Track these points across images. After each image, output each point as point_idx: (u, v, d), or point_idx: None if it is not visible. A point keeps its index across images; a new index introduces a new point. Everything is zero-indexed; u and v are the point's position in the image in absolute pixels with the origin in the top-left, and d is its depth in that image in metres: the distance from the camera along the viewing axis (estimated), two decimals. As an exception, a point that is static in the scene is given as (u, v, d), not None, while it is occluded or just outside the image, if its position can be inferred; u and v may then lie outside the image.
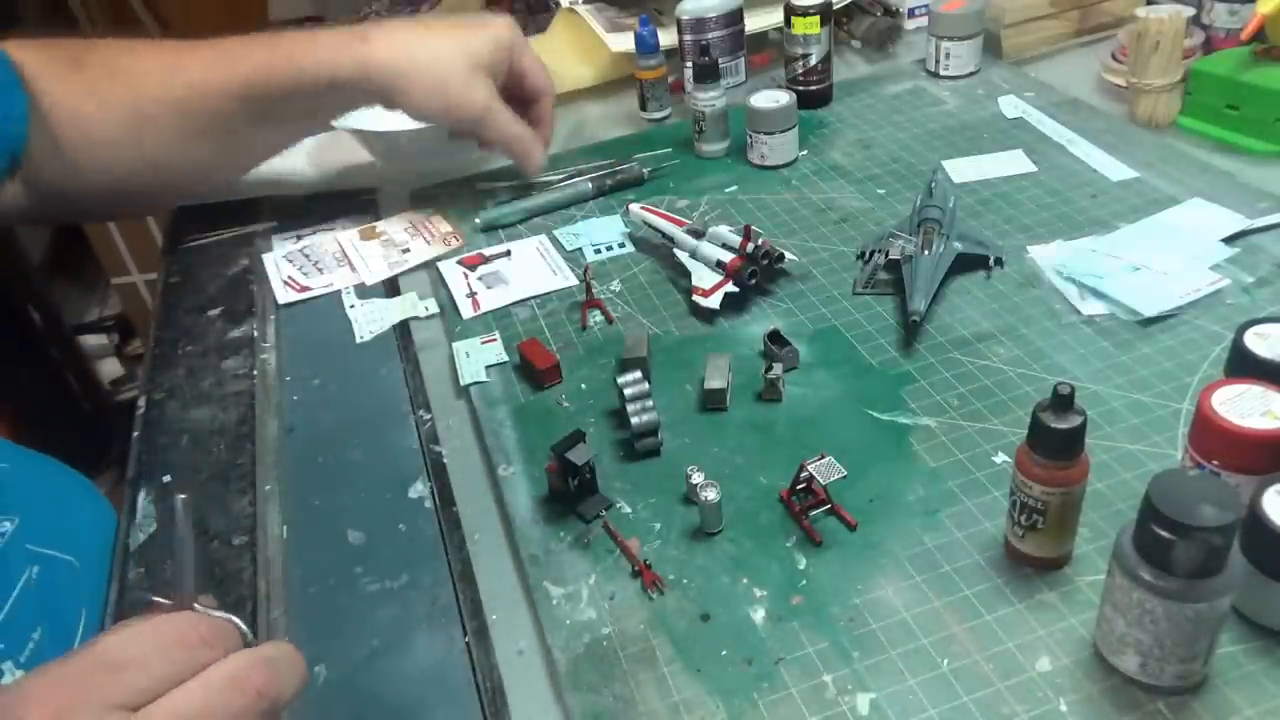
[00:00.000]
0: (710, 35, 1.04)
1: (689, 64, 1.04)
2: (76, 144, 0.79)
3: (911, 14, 1.16)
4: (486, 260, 0.86)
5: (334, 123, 0.93)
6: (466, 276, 0.84)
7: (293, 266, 0.88)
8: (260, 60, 0.80)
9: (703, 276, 0.77)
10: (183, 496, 0.45)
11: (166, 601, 0.43)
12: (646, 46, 1.01)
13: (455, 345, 0.76)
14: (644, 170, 0.94)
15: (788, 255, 0.78)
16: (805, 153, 0.96)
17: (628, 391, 0.64)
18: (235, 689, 0.40)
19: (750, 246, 0.76)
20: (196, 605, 0.43)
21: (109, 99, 0.79)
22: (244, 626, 0.43)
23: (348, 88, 0.81)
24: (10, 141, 0.75)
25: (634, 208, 0.86)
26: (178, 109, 0.80)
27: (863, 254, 0.79)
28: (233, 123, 0.82)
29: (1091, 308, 0.72)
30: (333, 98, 0.83)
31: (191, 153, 0.84)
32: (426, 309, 0.81)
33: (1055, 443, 0.49)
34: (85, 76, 0.79)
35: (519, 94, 0.89)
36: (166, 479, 0.67)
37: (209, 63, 0.81)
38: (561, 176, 0.95)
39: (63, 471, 0.74)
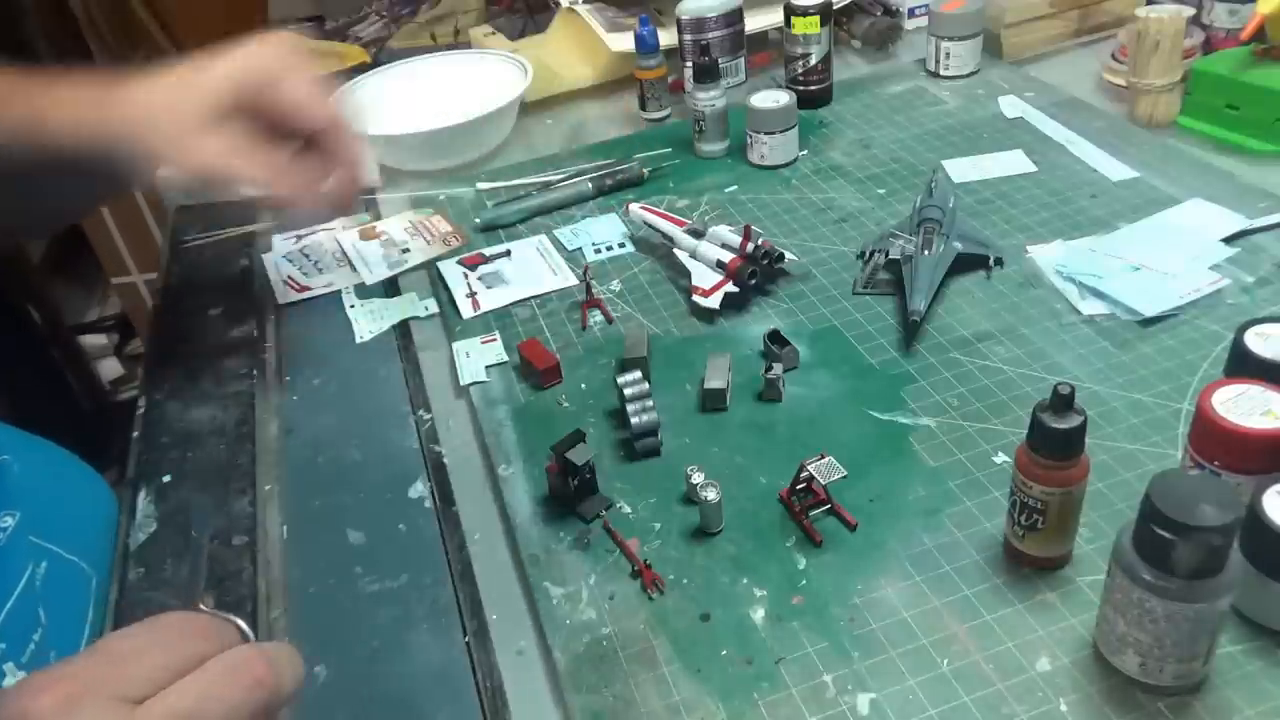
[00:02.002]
0: (710, 35, 1.04)
1: (689, 64, 1.04)
2: None
3: (911, 14, 1.16)
4: (486, 260, 0.86)
5: None
6: (466, 276, 0.84)
7: (293, 266, 0.88)
8: None
9: (703, 276, 0.77)
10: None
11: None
12: (646, 46, 1.01)
13: (455, 345, 0.76)
14: (644, 170, 0.94)
15: (788, 255, 0.78)
16: (805, 153, 0.96)
17: (628, 391, 0.64)
18: (232, 679, 0.40)
19: (750, 246, 0.76)
20: (201, 606, 0.44)
21: None
22: (245, 626, 0.43)
23: (100, 155, 0.63)
24: None
25: (634, 208, 0.86)
26: None
27: (863, 254, 0.79)
28: None
29: (1091, 308, 0.72)
30: (84, 165, 0.64)
31: None
32: (426, 309, 0.81)
33: (1055, 443, 0.49)
34: None
35: (294, 133, 0.68)
36: (166, 479, 0.67)
37: None
38: (561, 176, 0.95)
39: (68, 460, 0.74)
